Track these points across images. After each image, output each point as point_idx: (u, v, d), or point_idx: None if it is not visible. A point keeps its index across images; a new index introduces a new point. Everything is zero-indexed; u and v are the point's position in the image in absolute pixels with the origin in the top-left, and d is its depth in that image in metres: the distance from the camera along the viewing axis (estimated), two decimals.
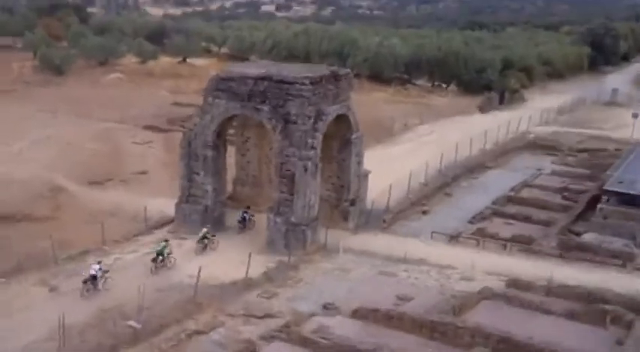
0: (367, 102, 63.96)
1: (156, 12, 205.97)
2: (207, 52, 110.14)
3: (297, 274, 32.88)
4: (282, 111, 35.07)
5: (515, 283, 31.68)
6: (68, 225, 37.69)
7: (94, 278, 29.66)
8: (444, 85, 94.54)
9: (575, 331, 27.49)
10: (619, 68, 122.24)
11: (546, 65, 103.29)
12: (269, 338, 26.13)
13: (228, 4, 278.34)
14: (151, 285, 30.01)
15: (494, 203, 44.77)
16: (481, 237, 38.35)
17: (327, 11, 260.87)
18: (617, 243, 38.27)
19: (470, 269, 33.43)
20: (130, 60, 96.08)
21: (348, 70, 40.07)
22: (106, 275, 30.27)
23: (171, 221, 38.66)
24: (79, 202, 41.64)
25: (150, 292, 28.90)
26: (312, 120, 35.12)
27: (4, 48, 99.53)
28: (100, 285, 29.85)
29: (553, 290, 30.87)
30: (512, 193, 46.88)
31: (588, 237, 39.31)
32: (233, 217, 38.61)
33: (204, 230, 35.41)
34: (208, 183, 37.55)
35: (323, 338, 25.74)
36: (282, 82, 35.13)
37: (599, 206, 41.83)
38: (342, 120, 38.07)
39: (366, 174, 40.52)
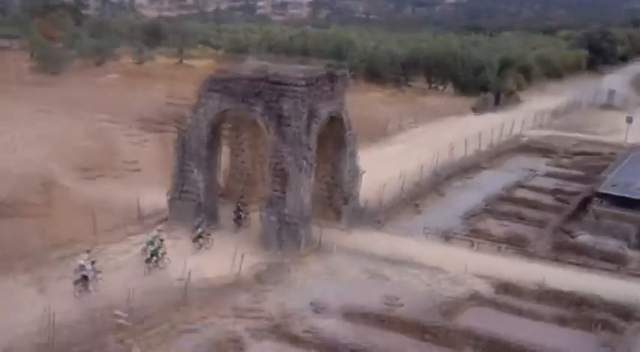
0: (363, 103, 63.94)
1: (151, 13, 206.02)
2: (204, 53, 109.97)
3: (287, 276, 32.77)
4: (276, 111, 35.06)
5: (505, 288, 31.68)
6: (60, 220, 37.40)
7: (85, 278, 29.48)
8: (440, 87, 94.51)
9: (565, 336, 27.59)
10: (617, 68, 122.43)
11: (544, 65, 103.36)
12: (258, 336, 26.07)
13: (223, 7, 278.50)
14: (143, 286, 29.81)
15: (486, 202, 44.76)
16: (474, 237, 38.31)
17: (323, 14, 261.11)
18: (612, 245, 38.29)
19: (461, 272, 33.32)
20: (127, 60, 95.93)
21: (345, 71, 40.08)
22: (98, 275, 30.08)
23: (165, 219, 38.47)
24: (72, 197, 41.44)
25: (141, 293, 28.74)
26: (305, 119, 35.10)
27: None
28: (91, 287, 29.61)
29: (543, 295, 30.84)
30: (504, 193, 46.86)
31: (582, 239, 39.32)
32: (226, 214, 38.50)
33: (200, 230, 35.31)
34: (201, 180, 37.50)
35: (312, 337, 25.72)
36: (276, 82, 35.10)
37: (591, 207, 41.88)
38: (335, 120, 38.11)
39: (360, 174, 40.49)
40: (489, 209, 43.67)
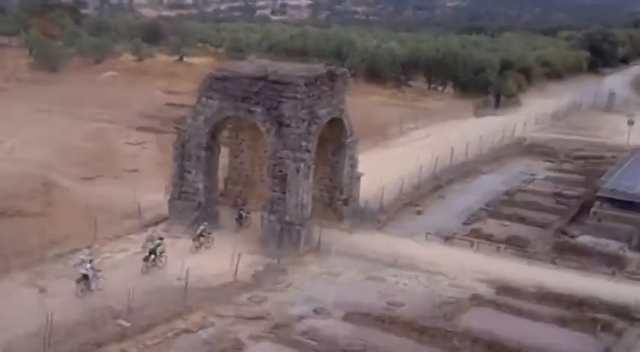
0: (363, 105, 63.79)
1: (150, 14, 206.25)
2: (204, 51, 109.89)
3: (285, 277, 32.63)
4: (276, 114, 34.95)
5: (505, 289, 31.55)
6: (60, 221, 37.39)
7: (85, 277, 29.37)
8: (440, 87, 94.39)
9: (565, 337, 27.47)
10: (618, 70, 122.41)
11: (545, 66, 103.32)
12: (257, 338, 25.96)
13: (223, 7, 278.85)
14: (142, 285, 29.77)
15: (487, 205, 44.67)
16: (475, 239, 38.20)
17: (323, 16, 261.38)
18: (612, 247, 38.21)
19: (460, 274, 33.24)
20: (127, 58, 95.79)
21: (345, 70, 39.95)
22: (99, 274, 29.99)
23: (165, 218, 38.39)
24: (72, 198, 41.34)
25: (140, 292, 28.66)
26: (305, 123, 34.98)
27: None
28: (93, 286, 29.54)
29: (543, 296, 30.75)
30: (505, 197, 46.74)
31: (583, 240, 39.19)
32: (226, 214, 38.40)
33: (202, 227, 35.20)
34: (200, 181, 37.38)
35: (312, 339, 25.59)
36: (276, 82, 34.94)
37: (593, 209, 41.77)
38: (336, 123, 37.97)
39: (358, 176, 40.38)
40: (490, 211, 43.48)
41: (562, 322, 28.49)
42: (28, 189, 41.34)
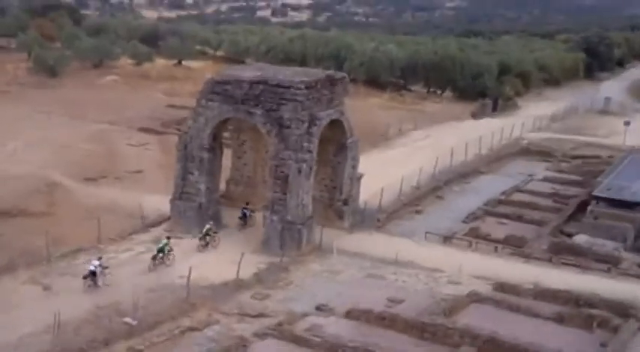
0: (363, 108, 64.41)
1: (150, 15, 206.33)
2: (203, 55, 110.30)
3: (287, 276, 33.21)
4: (276, 116, 35.44)
5: (502, 287, 32.14)
6: (64, 221, 37.90)
7: (93, 274, 29.96)
8: (438, 92, 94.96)
9: (562, 334, 28.01)
10: (613, 74, 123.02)
11: (542, 71, 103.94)
12: (262, 335, 26.53)
13: (223, 8, 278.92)
14: (148, 283, 30.55)
15: (486, 204, 45.33)
16: (473, 238, 38.81)
17: (323, 17, 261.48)
18: (608, 247, 38.85)
19: (458, 272, 33.83)
20: (126, 61, 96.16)
21: (344, 74, 40.42)
22: (106, 271, 30.57)
23: (167, 218, 38.93)
24: (75, 199, 41.85)
25: (145, 291, 29.39)
26: (306, 124, 35.47)
27: None
28: (100, 282, 30.13)
29: (540, 294, 31.31)
30: (503, 197, 47.40)
31: (579, 239, 39.83)
32: (228, 215, 38.92)
33: (207, 226, 35.74)
34: (202, 182, 37.85)
35: (315, 336, 26.18)
36: (277, 85, 35.47)
37: (589, 208, 42.42)
38: (336, 125, 38.47)
39: (359, 177, 40.92)
40: (488, 211, 44.13)
41: (559, 319, 29.06)
42: (32, 189, 41.85)
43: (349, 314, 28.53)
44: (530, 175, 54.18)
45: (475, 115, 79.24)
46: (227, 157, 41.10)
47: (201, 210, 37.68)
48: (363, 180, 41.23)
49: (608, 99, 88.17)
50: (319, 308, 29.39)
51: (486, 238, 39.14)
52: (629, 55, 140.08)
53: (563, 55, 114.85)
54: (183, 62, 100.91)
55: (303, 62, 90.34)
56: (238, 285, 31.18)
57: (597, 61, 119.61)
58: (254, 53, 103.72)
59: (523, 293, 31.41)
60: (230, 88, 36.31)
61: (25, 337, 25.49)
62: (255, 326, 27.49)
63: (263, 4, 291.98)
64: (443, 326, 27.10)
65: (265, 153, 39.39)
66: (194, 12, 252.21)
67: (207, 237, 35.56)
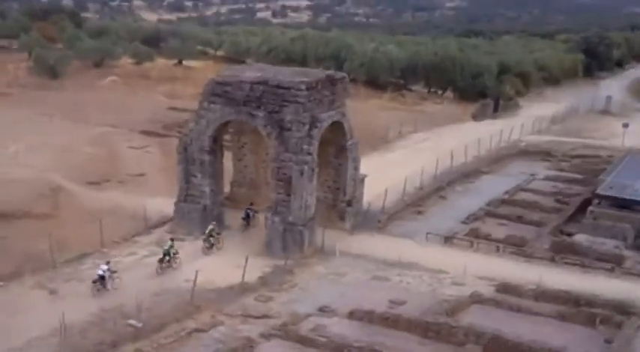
0: (363, 110, 64.52)
1: (150, 17, 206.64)
2: (204, 55, 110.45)
3: (292, 278, 33.38)
4: (277, 118, 35.53)
5: (505, 288, 32.32)
6: (67, 224, 38.02)
7: (102, 278, 30.17)
8: (439, 92, 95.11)
9: (565, 331, 28.25)
10: (613, 74, 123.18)
11: (542, 71, 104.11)
12: (268, 336, 26.73)
13: (223, 10, 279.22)
14: (154, 286, 30.78)
15: (488, 205, 45.47)
16: (475, 239, 38.96)
17: (323, 18, 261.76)
18: (609, 245, 38.99)
19: (461, 273, 33.99)
20: (126, 61, 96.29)
21: (344, 74, 40.48)
22: (115, 275, 30.79)
23: (169, 220, 39.13)
24: (78, 202, 41.98)
25: (152, 293, 29.73)
26: (307, 126, 35.59)
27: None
28: (109, 285, 30.37)
29: (542, 294, 31.48)
30: (506, 196, 47.53)
31: (580, 239, 39.98)
32: (232, 217, 39.07)
33: (210, 227, 35.90)
34: (206, 184, 38.02)
35: (320, 336, 26.36)
36: (277, 86, 35.54)
37: (589, 208, 42.58)
38: (337, 126, 38.58)
39: (362, 178, 41.06)
40: (489, 211, 44.28)
41: (561, 317, 29.27)
42: (35, 193, 41.91)
43: (352, 315, 28.69)
44: (532, 174, 54.41)
45: (476, 117, 79.20)
46: (227, 159, 41.14)
47: (205, 212, 37.83)
48: (366, 181, 41.38)
49: (609, 98, 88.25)
50: (322, 310, 29.55)
51: (487, 238, 39.25)
52: (628, 55, 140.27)
53: (563, 55, 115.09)
54: (184, 62, 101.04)
55: (303, 62, 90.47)
56: (244, 288, 31.34)
57: (597, 62, 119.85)
58: (255, 53, 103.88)
59: (525, 294, 31.57)
60: (231, 90, 36.39)
61: (32, 341, 25.74)
62: (260, 327, 27.68)
63: (262, 5, 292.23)
64: (447, 325, 27.31)
65: (266, 155, 39.51)
66: (194, 14, 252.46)
67: (212, 239, 35.71)
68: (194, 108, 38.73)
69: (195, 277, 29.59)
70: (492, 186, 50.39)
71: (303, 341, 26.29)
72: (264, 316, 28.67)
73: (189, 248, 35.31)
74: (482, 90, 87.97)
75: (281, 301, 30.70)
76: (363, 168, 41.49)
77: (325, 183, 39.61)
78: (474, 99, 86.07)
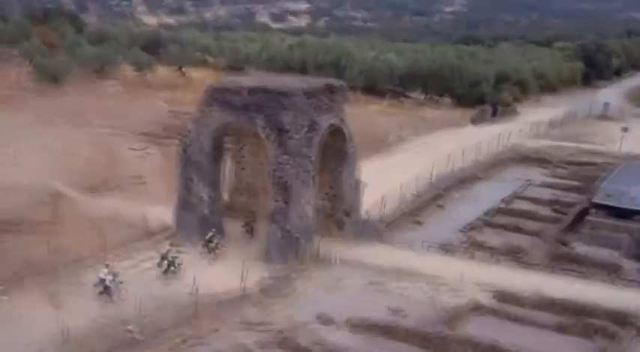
0: (362, 115, 64.70)
1: (151, 21, 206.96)
2: (203, 63, 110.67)
3: (291, 286, 33.46)
4: (277, 123, 35.69)
5: (503, 296, 32.49)
6: (66, 231, 38.10)
7: (106, 287, 30.29)
8: (437, 98, 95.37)
9: (562, 342, 28.48)
10: (611, 83, 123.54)
11: (540, 79, 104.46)
12: (265, 344, 26.84)
13: (223, 14, 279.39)
14: (154, 294, 30.74)
15: (485, 214, 45.67)
16: (473, 248, 39.11)
17: (322, 22, 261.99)
18: (606, 254, 39.19)
19: (459, 282, 34.13)
20: (127, 70, 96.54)
21: (343, 83, 40.71)
22: (120, 285, 30.77)
23: (169, 228, 39.19)
24: (78, 208, 42.10)
25: (151, 300, 29.74)
26: (305, 129, 35.82)
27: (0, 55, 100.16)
28: (115, 297, 30.33)
29: (540, 303, 31.65)
30: (502, 205, 47.72)
31: (577, 248, 40.18)
32: (231, 225, 39.18)
33: (210, 234, 36.02)
34: (205, 191, 38.12)
35: (318, 345, 26.48)
36: (276, 92, 35.77)
37: (587, 218, 42.78)
38: (336, 132, 38.74)
39: (360, 185, 41.20)
40: (487, 221, 44.49)
41: (558, 327, 29.46)
42: (35, 200, 41.97)
43: (351, 325, 28.84)
44: (527, 180, 54.62)
45: (474, 121, 79.67)
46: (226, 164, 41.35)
47: (203, 220, 37.93)
48: (365, 188, 41.47)
49: (607, 105, 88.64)
50: (320, 318, 29.66)
51: (485, 247, 39.42)
52: (626, 64, 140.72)
53: (561, 64, 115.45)
54: (184, 70, 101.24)
55: (302, 70, 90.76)
56: (242, 296, 31.43)
57: (595, 71, 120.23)
58: (254, 61, 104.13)
59: (523, 303, 31.74)
60: (229, 96, 36.62)
61: (31, 348, 25.72)
62: (258, 336, 27.76)
63: (262, 9, 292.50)
64: (444, 335, 27.44)
65: (266, 160, 39.64)
66: (194, 18, 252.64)
67: (211, 244, 35.86)
68: (194, 114, 38.91)
69: (194, 285, 29.74)
70: (489, 193, 50.60)
71: (300, 350, 26.42)
72: (263, 324, 28.79)
73: (188, 255, 35.34)
74: (480, 98, 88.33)
75: (279, 309, 30.76)
76: (362, 172, 41.48)
77: (323, 190, 39.70)
78: (471, 105, 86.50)
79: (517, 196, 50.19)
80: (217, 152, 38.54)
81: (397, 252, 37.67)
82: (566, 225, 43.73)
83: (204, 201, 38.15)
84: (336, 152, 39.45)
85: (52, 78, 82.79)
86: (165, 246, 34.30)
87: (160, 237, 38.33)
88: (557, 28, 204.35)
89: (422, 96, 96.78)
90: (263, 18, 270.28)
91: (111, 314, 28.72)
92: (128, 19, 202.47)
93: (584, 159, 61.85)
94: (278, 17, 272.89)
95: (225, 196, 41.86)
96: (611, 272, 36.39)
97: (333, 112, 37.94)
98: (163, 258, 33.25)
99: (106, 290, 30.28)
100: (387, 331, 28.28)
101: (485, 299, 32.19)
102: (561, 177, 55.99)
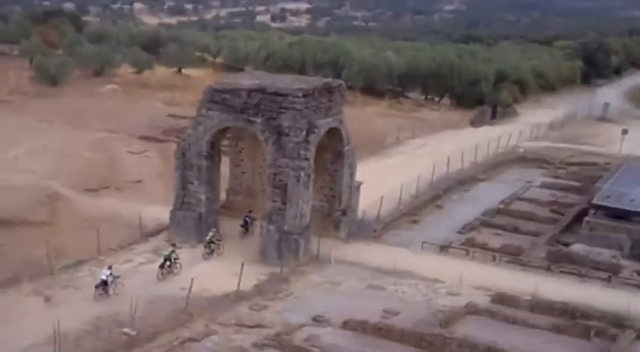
0: (360, 116, 64.69)
1: (151, 21, 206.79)
2: (203, 62, 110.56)
3: (287, 287, 33.46)
4: (275, 124, 35.71)
5: (500, 298, 32.43)
6: (64, 231, 38.17)
7: (104, 283, 30.39)
8: (436, 99, 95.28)
9: (560, 343, 28.33)
10: (611, 82, 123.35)
11: (539, 78, 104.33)
12: (261, 346, 26.80)
13: (223, 14, 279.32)
14: (150, 294, 30.82)
15: (484, 214, 45.57)
16: (470, 248, 39.07)
17: (322, 22, 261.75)
18: (605, 255, 39.14)
19: (457, 283, 34.06)
20: (126, 70, 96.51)
21: (342, 82, 40.67)
22: (117, 280, 30.97)
23: (165, 228, 39.20)
24: (76, 209, 42.13)
25: (148, 300, 29.76)
26: (304, 132, 35.75)
27: (1, 55, 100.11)
28: (111, 291, 30.58)
29: (538, 305, 31.61)
30: (502, 206, 47.65)
31: (576, 248, 40.11)
32: (227, 225, 39.17)
33: (211, 234, 36.06)
34: (202, 191, 38.11)
35: (313, 346, 26.45)
36: (275, 94, 35.78)
37: (585, 219, 42.72)
38: (334, 133, 38.73)
39: (358, 186, 41.18)
40: (485, 221, 44.41)
41: (557, 329, 29.36)
42: (33, 200, 42.06)
43: (346, 325, 28.80)
44: (528, 181, 54.55)
45: (474, 123, 79.45)
46: (224, 166, 41.18)
47: (200, 220, 37.95)
48: (362, 189, 41.45)
49: (607, 105, 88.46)
50: (316, 319, 29.63)
51: (483, 247, 39.37)
52: (626, 62, 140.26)
53: (560, 63, 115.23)
54: (183, 70, 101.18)
55: (301, 69, 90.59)
56: (239, 297, 31.42)
57: (595, 69, 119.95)
58: (253, 60, 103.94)
59: (521, 305, 31.65)
60: (229, 97, 36.61)
61: (27, 349, 25.77)
62: (253, 337, 27.72)
63: (262, 9, 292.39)
64: (441, 336, 27.39)
65: (263, 160, 39.67)
66: (194, 18, 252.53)
67: (212, 245, 35.87)
68: (193, 115, 38.92)
69: (191, 285, 29.70)
70: (489, 194, 50.53)
71: (296, 351, 26.39)
72: (258, 325, 28.75)
73: (185, 255, 35.33)
74: (479, 98, 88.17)
75: (275, 310, 30.75)
76: (360, 174, 41.55)
77: (321, 190, 39.68)
78: (471, 106, 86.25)
79: (517, 197, 50.05)
80: (215, 153, 38.54)
81: (394, 252, 37.61)
82: (564, 225, 43.66)
83: (201, 201, 38.13)
84: (334, 152, 39.42)
85: (51, 80, 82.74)
86: (169, 247, 34.32)
87: (157, 237, 38.41)
88: (559, 27, 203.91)
89: (421, 97, 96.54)
90: (263, 18, 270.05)
91: (107, 314, 28.70)
92: (128, 19, 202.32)
93: (584, 160, 61.69)
94: (278, 17, 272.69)
95: (222, 196, 41.82)
96: (610, 273, 36.31)
97: (331, 114, 37.91)
98: (166, 259, 33.25)
99: (102, 283, 30.39)
100: (381, 331, 28.20)
101: (483, 300, 32.09)
102: (561, 178, 55.85)
